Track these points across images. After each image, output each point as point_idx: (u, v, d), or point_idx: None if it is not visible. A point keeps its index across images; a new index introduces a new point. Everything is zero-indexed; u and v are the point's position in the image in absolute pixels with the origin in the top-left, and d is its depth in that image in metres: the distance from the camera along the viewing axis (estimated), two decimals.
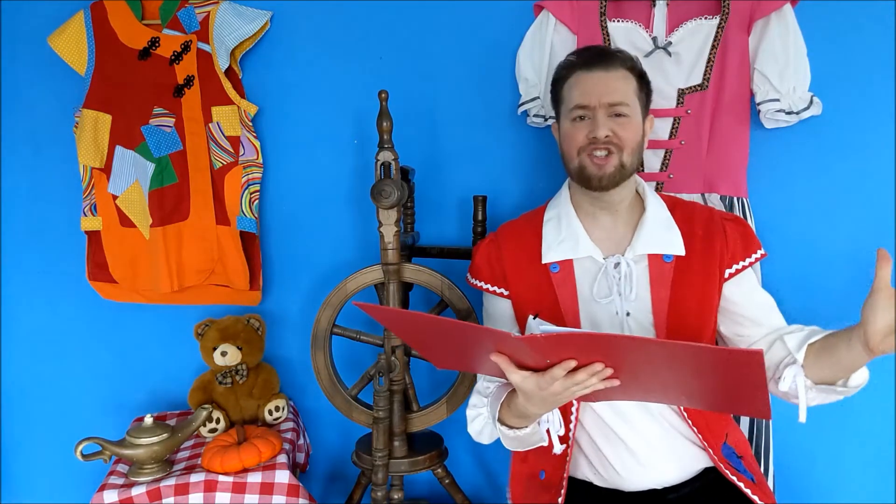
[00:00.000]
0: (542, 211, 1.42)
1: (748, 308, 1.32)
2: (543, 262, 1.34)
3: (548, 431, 1.25)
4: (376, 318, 1.24)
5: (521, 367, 1.11)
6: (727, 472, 1.28)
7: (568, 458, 1.32)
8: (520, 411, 1.20)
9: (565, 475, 1.31)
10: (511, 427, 1.25)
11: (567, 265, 1.33)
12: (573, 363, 1.06)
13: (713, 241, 1.32)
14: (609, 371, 1.06)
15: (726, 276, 1.31)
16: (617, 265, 1.31)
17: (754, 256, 1.33)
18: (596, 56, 1.31)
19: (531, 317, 1.29)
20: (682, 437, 1.32)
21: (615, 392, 1.12)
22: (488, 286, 1.41)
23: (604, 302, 1.31)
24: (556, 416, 1.25)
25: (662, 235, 1.32)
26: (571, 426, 1.31)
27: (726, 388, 1.04)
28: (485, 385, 1.34)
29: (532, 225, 1.40)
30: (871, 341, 1.07)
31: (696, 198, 1.64)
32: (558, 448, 1.27)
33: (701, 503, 1.31)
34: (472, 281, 1.46)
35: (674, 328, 1.30)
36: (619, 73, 1.29)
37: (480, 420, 1.34)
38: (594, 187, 1.30)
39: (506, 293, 1.39)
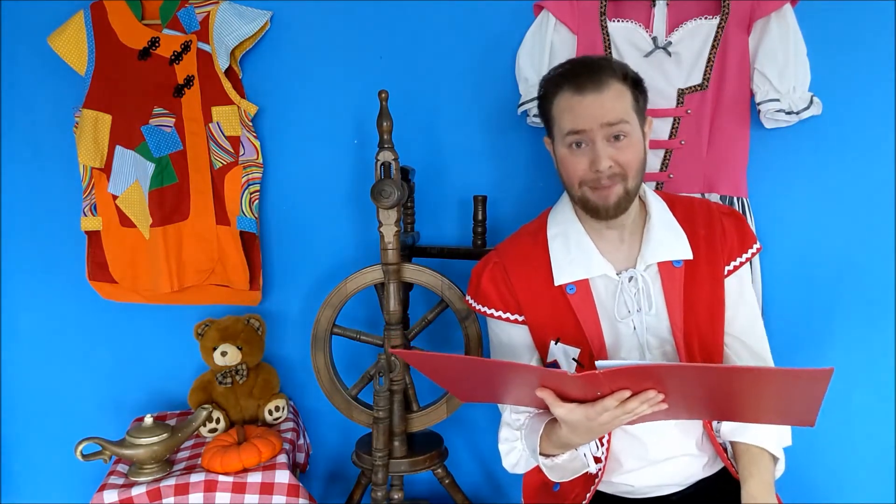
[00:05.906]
0: (544, 226, 1.34)
1: (729, 310, 1.30)
2: (557, 283, 1.28)
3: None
4: (414, 364, 1.24)
5: (564, 399, 1.09)
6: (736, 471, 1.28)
7: (599, 474, 1.30)
8: (562, 442, 1.18)
9: (592, 489, 1.30)
10: (548, 456, 1.24)
11: (583, 285, 1.27)
12: (627, 393, 1.04)
13: (714, 239, 1.29)
14: (661, 396, 1.04)
15: (725, 272, 1.29)
16: (632, 279, 1.27)
17: (750, 251, 1.31)
18: (586, 75, 1.20)
19: (553, 342, 1.26)
20: (694, 440, 1.30)
21: (659, 415, 1.10)
22: (500, 313, 1.33)
23: (625, 321, 1.27)
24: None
25: (670, 241, 1.28)
26: (605, 441, 1.29)
27: (783, 404, 1.03)
28: (514, 417, 1.31)
29: (537, 243, 1.32)
30: None
31: None
32: (594, 468, 1.26)
33: (709, 503, 1.31)
34: (479, 307, 1.36)
35: (689, 334, 1.26)
36: (612, 91, 1.19)
37: (515, 454, 1.32)
38: (602, 218, 1.24)
39: (521, 319, 1.31)
